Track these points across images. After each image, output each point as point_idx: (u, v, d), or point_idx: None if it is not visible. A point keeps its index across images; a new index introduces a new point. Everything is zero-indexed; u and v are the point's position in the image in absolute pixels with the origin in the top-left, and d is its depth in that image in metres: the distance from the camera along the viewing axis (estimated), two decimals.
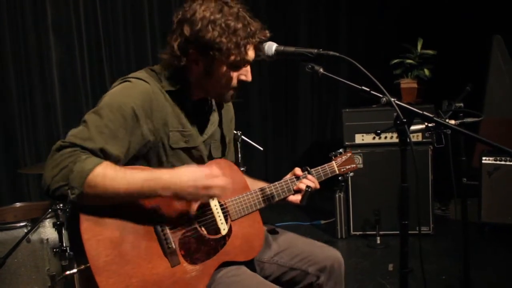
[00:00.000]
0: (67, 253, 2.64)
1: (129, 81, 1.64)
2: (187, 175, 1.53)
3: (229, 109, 1.99)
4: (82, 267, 1.47)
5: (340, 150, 2.15)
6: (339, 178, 2.14)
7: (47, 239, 2.75)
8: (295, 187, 1.93)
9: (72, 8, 3.99)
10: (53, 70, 3.93)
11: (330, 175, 2.07)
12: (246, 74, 1.71)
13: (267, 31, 1.68)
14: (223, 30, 1.59)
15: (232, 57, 1.62)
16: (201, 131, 1.79)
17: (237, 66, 1.67)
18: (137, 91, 1.60)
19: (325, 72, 1.59)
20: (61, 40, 3.97)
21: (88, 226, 1.49)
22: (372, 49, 5.03)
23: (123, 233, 1.52)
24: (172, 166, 1.69)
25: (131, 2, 4.35)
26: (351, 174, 2.14)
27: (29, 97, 3.87)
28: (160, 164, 1.68)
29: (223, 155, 1.92)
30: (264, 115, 5.34)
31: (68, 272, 1.63)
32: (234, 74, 1.69)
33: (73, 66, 4.03)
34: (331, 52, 1.57)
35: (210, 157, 1.85)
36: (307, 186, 1.90)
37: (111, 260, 1.49)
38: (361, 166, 3.96)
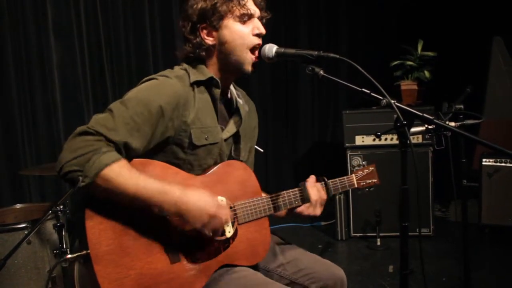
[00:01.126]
0: (68, 254, 2.64)
1: (157, 79, 1.68)
2: (197, 197, 1.55)
3: (252, 115, 2.02)
4: (84, 252, 1.49)
5: (363, 163, 2.13)
6: (358, 192, 2.12)
7: (48, 240, 2.75)
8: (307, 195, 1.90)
9: (72, 9, 3.98)
10: (54, 71, 3.92)
11: (348, 188, 2.05)
12: (258, 27, 1.76)
13: None
14: None
15: (231, 13, 1.72)
16: (223, 128, 1.82)
17: (241, 20, 1.73)
18: (166, 90, 1.65)
19: (325, 74, 1.59)
20: (61, 41, 3.96)
21: (93, 214, 1.51)
22: (373, 50, 5.03)
23: (127, 224, 1.54)
24: (189, 164, 1.72)
25: (131, 3, 4.35)
26: (372, 189, 2.10)
27: (29, 98, 3.87)
28: (177, 161, 1.70)
29: (243, 159, 1.91)
30: (264, 117, 5.33)
31: (69, 256, 1.65)
32: (246, 30, 1.74)
33: (73, 66, 4.02)
34: (332, 54, 1.57)
35: (231, 158, 1.86)
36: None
37: (111, 250, 1.51)
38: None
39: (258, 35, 1.76)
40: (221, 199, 1.71)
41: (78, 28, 4.02)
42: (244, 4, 1.73)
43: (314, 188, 1.89)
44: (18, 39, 3.79)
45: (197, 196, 1.56)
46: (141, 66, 4.36)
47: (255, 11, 1.77)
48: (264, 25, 1.80)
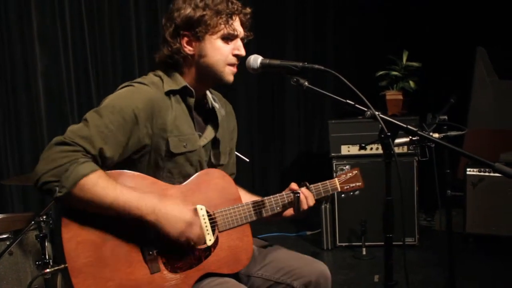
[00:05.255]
0: (50, 266, 2.60)
1: (133, 85, 1.68)
2: (172, 206, 1.57)
3: (230, 118, 2.01)
4: (62, 266, 1.47)
5: (347, 166, 2.11)
6: (342, 195, 2.09)
7: (30, 251, 2.71)
8: (290, 200, 1.89)
9: (58, 16, 3.96)
10: (38, 80, 3.89)
11: (330, 192, 2.01)
12: (239, 48, 1.77)
13: (248, 8, 1.80)
14: (202, 3, 1.70)
15: (217, 29, 1.71)
16: (201, 135, 1.81)
17: (225, 38, 1.73)
18: (140, 96, 1.64)
19: (310, 86, 1.60)
20: (46, 50, 3.94)
21: (70, 226, 1.50)
22: (358, 61, 5.07)
23: (105, 236, 1.53)
24: (169, 172, 1.71)
25: (117, 13, 4.34)
26: (357, 192, 2.08)
27: (13, 106, 3.83)
28: (157, 170, 1.70)
29: (223, 163, 1.90)
30: (250, 126, 5.34)
31: (47, 271, 1.64)
32: (227, 49, 1.74)
33: (58, 76, 3.99)
34: (316, 66, 1.57)
35: (210, 164, 1.85)
36: (296, 193, 1.84)
37: (90, 262, 1.50)
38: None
39: (237, 56, 1.77)
40: (201, 208, 1.70)
41: (63, 36, 4.00)
42: (232, 24, 1.73)
43: (309, 199, 1.88)
44: (2, 46, 3.76)
45: (173, 205, 1.58)
46: (127, 75, 4.33)
47: (240, 32, 1.78)
48: (245, 46, 1.80)
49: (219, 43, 1.73)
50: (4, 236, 2.64)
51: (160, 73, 1.77)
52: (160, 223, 1.54)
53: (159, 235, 1.58)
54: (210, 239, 1.70)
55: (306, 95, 5.41)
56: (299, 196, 1.85)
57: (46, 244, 2.65)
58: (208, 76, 1.77)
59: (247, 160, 3.63)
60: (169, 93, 1.72)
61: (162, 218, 1.54)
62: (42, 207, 2.77)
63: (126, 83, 1.70)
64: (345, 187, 2.05)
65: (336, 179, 2.06)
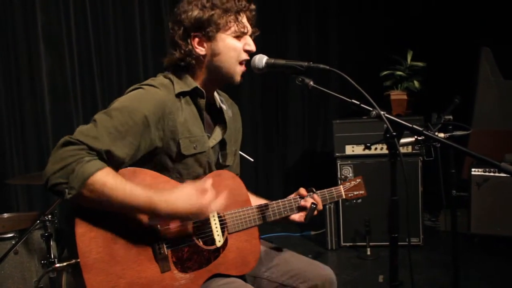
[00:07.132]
0: (55, 265, 2.61)
1: (143, 88, 1.68)
2: (181, 200, 1.53)
3: (237, 119, 2.01)
4: (73, 261, 1.48)
5: (351, 175, 2.16)
6: (346, 203, 2.14)
7: (35, 250, 2.72)
8: (298, 205, 1.93)
9: (63, 17, 3.97)
10: (43, 79, 3.90)
11: (336, 199, 2.07)
12: (250, 44, 1.78)
13: (253, 5, 1.81)
14: (209, 3, 1.71)
15: (228, 27, 1.72)
16: (209, 136, 1.82)
17: (236, 35, 1.74)
18: (150, 99, 1.64)
19: (315, 85, 1.60)
20: (51, 49, 3.95)
21: (83, 222, 1.50)
22: (363, 60, 5.06)
23: (117, 233, 1.53)
24: (178, 173, 1.72)
25: (122, 12, 4.35)
26: (359, 201, 2.13)
27: (18, 106, 3.84)
28: (166, 171, 1.70)
29: (229, 164, 1.91)
30: (254, 126, 5.34)
31: (57, 265, 1.64)
32: (239, 45, 1.75)
33: (63, 75, 4.00)
34: (322, 65, 1.57)
35: (218, 165, 1.86)
36: (313, 203, 1.90)
37: (101, 258, 1.50)
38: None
39: (248, 51, 1.78)
40: None
41: (68, 36, 4.01)
42: (241, 21, 1.74)
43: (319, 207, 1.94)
44: (8, 46, 3.77)
45: (180, 190, 1.55)
46: (131, 75, 4.35)
47: (249, 28, 1.79)
48: (254, 41, 1.81)
49: (231, 40, 1.74)
50: (10, 235, 2.66)
51: (170, 75, 1.77)
52: (174, 210, 1.52)
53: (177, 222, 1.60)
54: (219, 241, 1.72)
55: (310, 95, 5.41)
56: (315, 208, 1.91)
57: (51, 243, 2.66)
58: (218, 76, 1.78)
59: (252, 160, 3.64)
60: (179, 95, 1.72)
61: (174, 205, 1.52)
62: (47, 206, 2.78)
63: (136, 86, 1.70)
64: (350, 195, 2.11)
65: (341, 186, 2.11)
